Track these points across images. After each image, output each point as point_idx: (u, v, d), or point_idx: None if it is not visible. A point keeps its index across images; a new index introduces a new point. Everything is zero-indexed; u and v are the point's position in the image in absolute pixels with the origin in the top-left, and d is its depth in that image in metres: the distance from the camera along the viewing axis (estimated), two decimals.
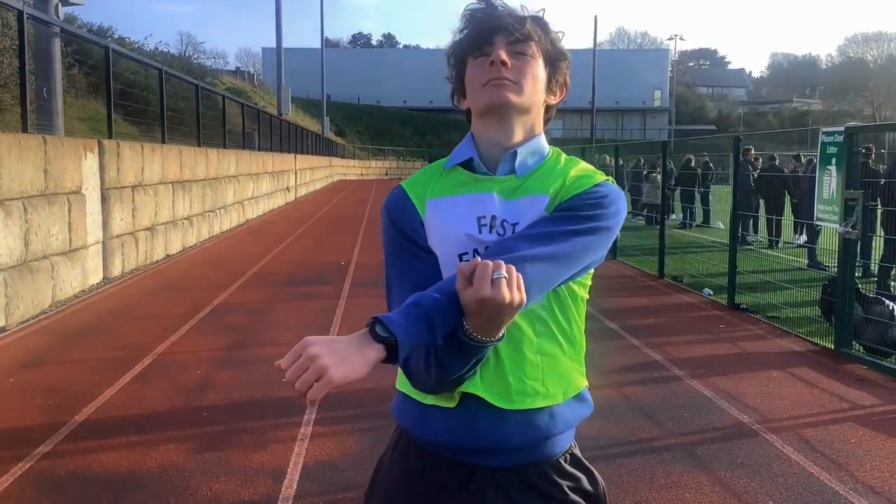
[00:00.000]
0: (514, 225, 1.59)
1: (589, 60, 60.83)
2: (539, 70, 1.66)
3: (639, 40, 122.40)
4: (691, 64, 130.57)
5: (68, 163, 9.06)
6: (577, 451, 1.72)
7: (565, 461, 1.67)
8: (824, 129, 7.16)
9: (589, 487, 1.70)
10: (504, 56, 1.61)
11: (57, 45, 10.10)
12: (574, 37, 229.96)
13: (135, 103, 16.54)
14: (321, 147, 46.28)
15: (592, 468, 1.73)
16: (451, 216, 1.62)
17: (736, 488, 4.04)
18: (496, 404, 1.56)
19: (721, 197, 16.81)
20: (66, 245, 8.98)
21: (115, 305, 8.61)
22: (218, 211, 16.76)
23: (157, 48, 29.54)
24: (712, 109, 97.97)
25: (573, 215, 1.57)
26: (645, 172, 19.37)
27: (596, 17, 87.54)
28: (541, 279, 1.49)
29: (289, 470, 4.17)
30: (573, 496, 1.64)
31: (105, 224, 10.27)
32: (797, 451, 4.53)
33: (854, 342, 6.75)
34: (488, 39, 1.63)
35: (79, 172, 9.39)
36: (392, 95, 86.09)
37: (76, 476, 4.07)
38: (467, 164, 1.68)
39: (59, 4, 9.93)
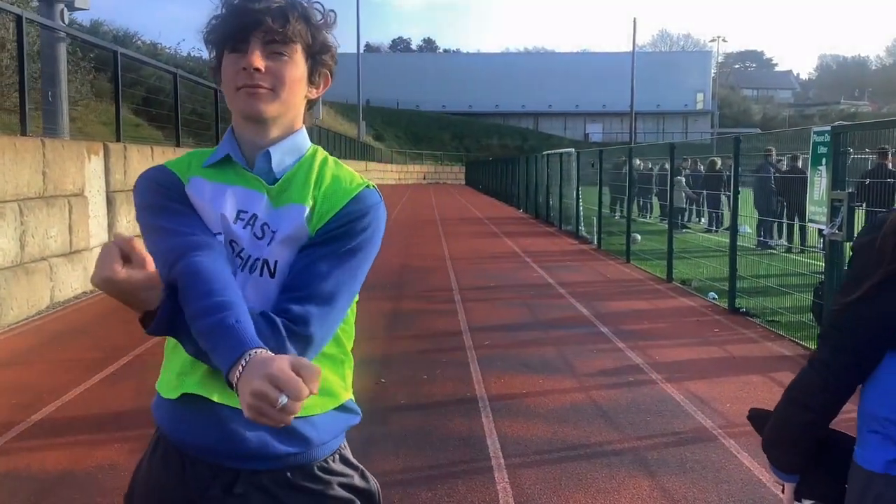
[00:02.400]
0: (274, 232, 1.56)
1: (630, 63, 60.35)
2: (299, 70, 1.58)
3: (681, 42, 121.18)
4: (737, 66, 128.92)
5: (69, 165, 9.18)
6: (348, 452, 1.71)
7: (333, 461, 1.65)
8: (815, 129, 6.97)
9: (360, 483, 1.69)
10: (258, 62, 1.52)
11: (62, 49, 10.27)
12: (615, 39, 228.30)
13: (160, 108, 16.82)
14: (356, 152, 46.52)
15: (363, 467, 1.73)
16: (213, 198, 1.58)
17: (675, 495, 3.92)
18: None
19: (746, 201, 16.48)
20: (67, 247, 9.10)
21: (110, 307, 8.70)
22: None
23: (189, 54, 29.66)
24: (757, 112, 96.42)
25: (343, 250, 1.55)
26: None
27: (635, 19, 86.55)
28: (329, 333, 1.57)
29: None
30: (341, 491, 1.63)
31: (111, 226, 10.40)
32: (752, 458, 4.38)
33: None
34: (244, 36, 1.53)
35: (81, 175, 9.52)
36: (431, 100, 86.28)
37: (12, 474, 4.09)
38: (230, 158, 1.63)
39: (65, 9, 10.09)
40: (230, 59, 1.55)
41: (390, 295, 9.56)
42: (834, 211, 6.36)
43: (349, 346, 1.68)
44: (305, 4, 1.61)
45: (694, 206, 20.15)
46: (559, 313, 8.57)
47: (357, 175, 1.66)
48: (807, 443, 1.77)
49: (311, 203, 1.57)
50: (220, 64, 1.60)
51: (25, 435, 4.67)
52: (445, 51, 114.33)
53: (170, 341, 1.60)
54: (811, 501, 1.81)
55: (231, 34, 1.55)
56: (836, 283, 6.51)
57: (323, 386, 1.56)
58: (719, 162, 19.66)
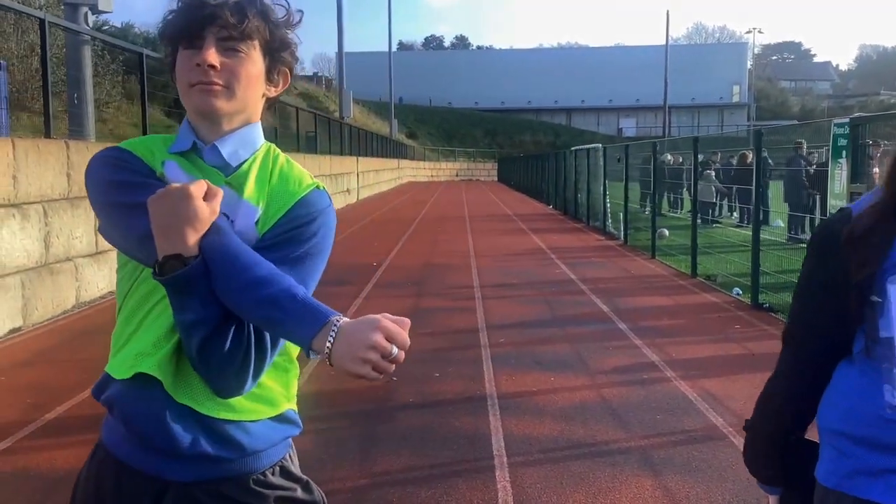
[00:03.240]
0: (232, 222, 1.54)
1: (664, 56, 59.79)
2: (256, 67, 1.55)
3: (717, 35, 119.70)
4: (774, 57, 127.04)
5: None
6: (291, 465, 1.67)
7: (272, 473, 1.61)
8: (835, 121, 6.84)
9: (303, 496, 1.65)
10: (213, 59, 1.49)
11: (87, 52, 10.41)
12: (650, 34, 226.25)
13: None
14: (388, 149, 46.66)
15: (307, 478, 1.69)
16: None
17: (677, 494, 3.87)
18: (187, 404, 1.50)
19: (777, 195, 16.25)
20: (93, 247, 9.23)
21: None
22: None
23: None
24: (795, 104, 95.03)
25: (292, 256, 1.54)
26: (700, 170, 18.86)
27: (668, 11, 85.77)
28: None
29: None
30: None
31: None
32: None
33: None
34: (199, 32, 1.50)
35: None
36: (464, 97, 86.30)
37: (23, 473, 4.16)
38: (195, 148, 1.60)
39: (89, 12, 10.22)
40: (184, 55, 1.52)
41: (411, 292, 9.57)
42: None
43: (295, 353, 1.65)
44: (265, 0, 1.57)
45: (725, 201, 19.89)
46: (578, 310, 8.52)
47: (307, 175, 1.63)
48: (783, 454, 1.73)
49: (261, 204, 1.56)
50: (173, 62, 1.56)
51: (37, 434, 4.74)
52: (478, 47, 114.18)
53: (130, 323, 1.54)
54: None
55: (186, 29, 1.51)
56: None
57: (262, 393, 1.57)
58: (750, 155, 19.40)
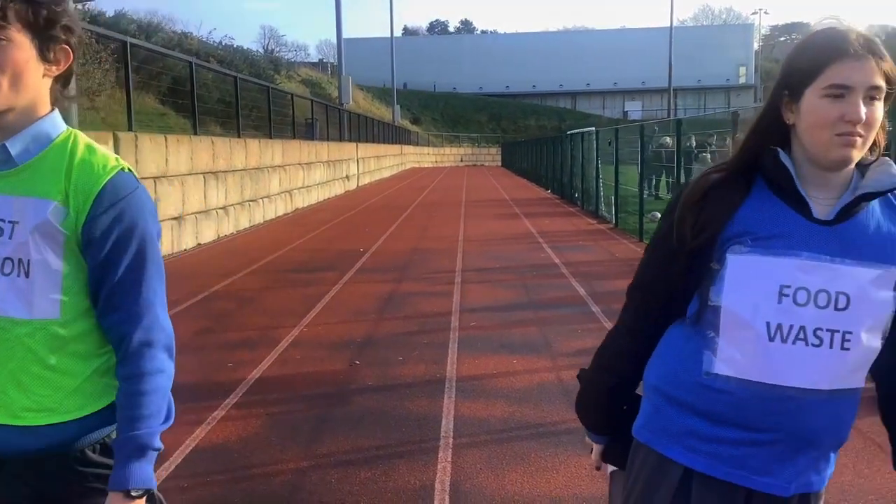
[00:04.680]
0: (13, 223, 1.49)
1: (669, 39, 59.47)
2: (23, 52, 1.47)
3: (723, 16, 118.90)
4: (782, 38, 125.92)
5: None
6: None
7: (93, 451, 1.60)
8: None
9: None
10: None
11: None
12: (655, 16, 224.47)
13: (186, 98, 17.06)
14: (390, 135, 46.64)
15: None
16: None
17: None
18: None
19: None
20: None
21: None
22: (261, 200, 17.09)
23: (220, 42, 30.07)
24: None
25: (121, 255, 1.53)
26: (695, 153, 18.78)
27: None
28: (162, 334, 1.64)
29: (175, 453, 4.24)
30: (96, 484, 1.59)
31: None
32: None
33: None
34: None
35: None
36: (468, 82, 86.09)
37: None
38: None
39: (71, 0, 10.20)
40: None
41: (392, 277, 9.62)
42: None
43: (93, 364, 1.61)
44: None
45: None
46: (555, 293, 8.56)
47: (111, 159, 1.57)
48: (613, 406, 1.78)
49: (60, 197, 1.51)
50: None
51: None
52: (483, 32, 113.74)
53: None
54: (614, 468, 1.83)
55: None
56: None
57: (75, 386, 1.58)
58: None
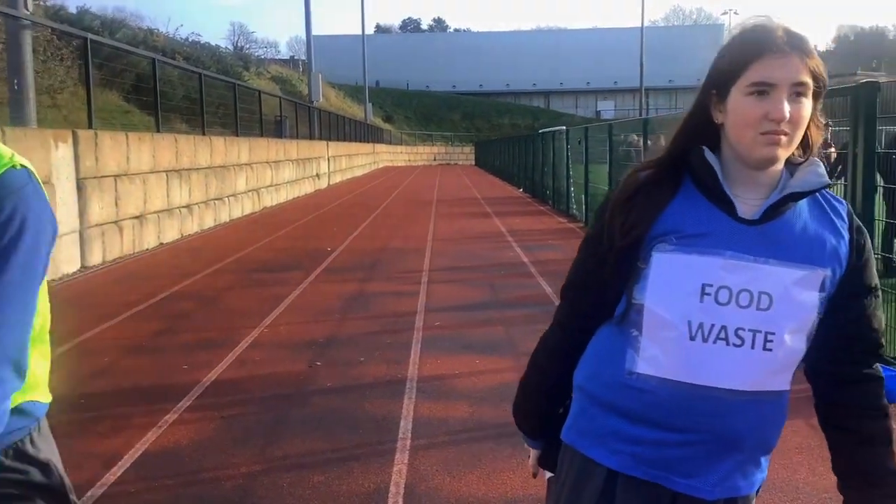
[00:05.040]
0: None
1: (640, 39, 59.79)
2: None
3: (694, 16, 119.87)
4: None
5: (33, 154, 9.16)
6: (29, 447, 1.60)
7: (5, 455, 1.55)
8: None
9: (41, 479, 1.61)
10: None
11: (27, 37, 10.23)
12: (628, 16, 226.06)
13: (150, 95, 16.83)
14: (363, 133, 46.45)
15: (47, 461, 1.63)
16: None
17: None
18: None
19: None
20: None
21: (73, 294, 8.71)
22: (227, 199, 16.89)
23: (187, 38, 29.73)
24: None
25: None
26: None
27: None
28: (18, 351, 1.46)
29: (124, 457, 4.12)
30: (11, 489, 1.54)
31: (81, 213, 10.40)
32: None
33: None
34: None
35: (47, 163, 9.51)
36: (441, 80, 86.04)
37: None
38: None
39: None
40: None
41: (359, 277, 9.51)
42: None
43: (48, 353, 1.62)
44: None
45: None
46: (521, 292, 8.50)
47: (6, 155, 1.48)
48: (548, 408, 1.73)
49: None
50: None
51: None
52: (456, 30, 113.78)
53: None
54: (551, 474, 1.77)
55: None
56: None
57: None
58: None
